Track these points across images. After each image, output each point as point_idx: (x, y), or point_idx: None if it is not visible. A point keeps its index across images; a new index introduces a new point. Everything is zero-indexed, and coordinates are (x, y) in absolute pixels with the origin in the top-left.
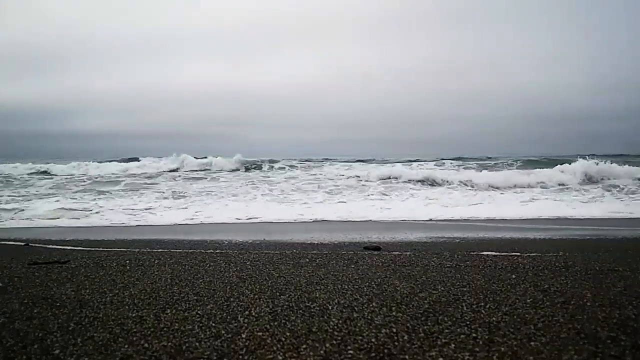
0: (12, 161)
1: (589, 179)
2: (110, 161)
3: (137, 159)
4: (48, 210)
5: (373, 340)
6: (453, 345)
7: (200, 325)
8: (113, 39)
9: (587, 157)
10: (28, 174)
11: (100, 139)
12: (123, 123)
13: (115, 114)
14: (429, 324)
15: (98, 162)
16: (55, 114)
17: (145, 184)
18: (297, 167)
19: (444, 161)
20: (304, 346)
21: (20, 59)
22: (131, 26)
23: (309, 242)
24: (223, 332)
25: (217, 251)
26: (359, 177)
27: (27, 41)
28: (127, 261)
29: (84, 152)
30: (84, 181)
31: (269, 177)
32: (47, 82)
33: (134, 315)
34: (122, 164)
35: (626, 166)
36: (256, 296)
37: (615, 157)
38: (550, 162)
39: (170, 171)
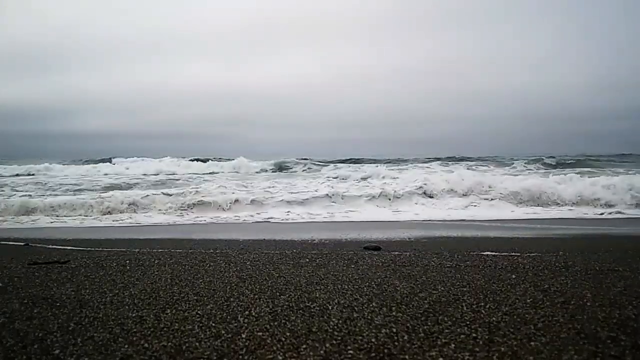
0: (10, 162)
1: None
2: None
3: (110, 160)
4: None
5: (373, 340)
6: (453, 345)
7: (200, 325)
8: (113, 39)
9: None
10: None
11: (100, 139)
12: (123, 123)
13: (115, 114)
14: (429, 324)
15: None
16: (55, 114)
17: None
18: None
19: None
20: (304, 346)
21: (20, 59)
22: (131, 26)
23: (309, 242)
24: (223, 332)
25: (217, 251)
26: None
27: (27, 41)
28: (127, 261)
29: (84, 153)
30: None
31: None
32: (47, 82)
33: (134, 315)
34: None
35: None
36: (256, 296)
37: (615, 157)
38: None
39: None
